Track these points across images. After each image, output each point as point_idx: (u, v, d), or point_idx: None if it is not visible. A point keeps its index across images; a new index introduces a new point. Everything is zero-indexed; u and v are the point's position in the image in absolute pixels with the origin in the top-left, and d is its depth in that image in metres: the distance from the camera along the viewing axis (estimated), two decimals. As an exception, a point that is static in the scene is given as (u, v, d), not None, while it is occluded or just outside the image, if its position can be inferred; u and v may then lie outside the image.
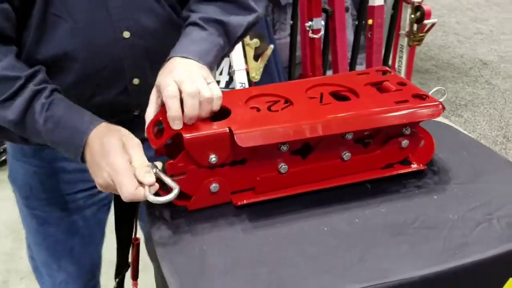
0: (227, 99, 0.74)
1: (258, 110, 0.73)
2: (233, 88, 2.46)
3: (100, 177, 0.66)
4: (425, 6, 2.88)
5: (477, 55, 4.19)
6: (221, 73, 2.53)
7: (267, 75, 2.43)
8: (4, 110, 0.70)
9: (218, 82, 2.55)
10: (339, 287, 0.58)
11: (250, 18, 0.84)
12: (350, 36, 3.20)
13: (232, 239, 0.66)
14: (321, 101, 0.77)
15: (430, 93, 0.80)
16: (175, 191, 0.64)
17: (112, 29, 0.77)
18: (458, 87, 3.55)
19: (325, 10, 2.68)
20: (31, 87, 0.69)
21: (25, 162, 0.93)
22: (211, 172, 0.69)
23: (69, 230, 0.99)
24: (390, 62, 3.20)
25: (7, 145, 0.98)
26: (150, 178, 0.63)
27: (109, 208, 1.04)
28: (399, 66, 3.15)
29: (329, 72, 2.98)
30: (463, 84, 3.60)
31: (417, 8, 2.89)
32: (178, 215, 0.70)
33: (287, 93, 0.77)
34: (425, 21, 2.88)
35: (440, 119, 0.82)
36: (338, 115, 0.72)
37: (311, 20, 2.58)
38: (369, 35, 2.90)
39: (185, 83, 0.65)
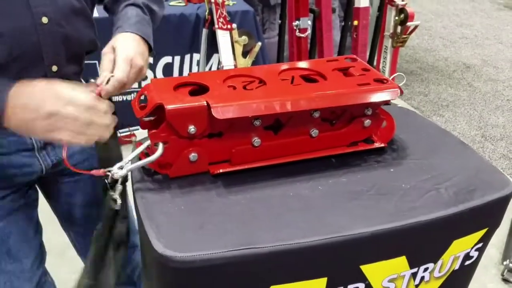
0: (206, 77, 0.82)
1: (234, 88, 0.81)
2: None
3: (49, 105, 0.67)
4: (409, 9, 2.98)
5: (461, 58, 4.30)
6: (210, 69, 2.60)
7: (254, 72, 2.50)
8: None
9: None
10: (297, 239, 0.65)
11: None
12: (336, 36, 3.30)
13: (207, 201, 0.74)
14: (292, 82, 0.85)
15: (394, 81, 0.89)
16: (158, 152, 0.73)
17: (31, 15, 0.78)
18: (441, 89, 3.66)
19: (312, 11, 2.76)
20: None
21: None
22: (190, 142, 0.77)
23: (1, 236, 0.96)
24: (375, 63, 3.30)
25: None
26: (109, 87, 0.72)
27: (37, 205, 1.04)
28: (383, 66, 3.24)
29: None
30: (446, 86, 3.71)
31: (401, 11, 2.99)
32: (160, 182, 0.78)
33: (261, 75, 0.85)
34: (409, 23, 2.98)
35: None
36: (302, 95, 0.79)
37: (298, 20, 2.67)
38: (355, 36, 3.00)
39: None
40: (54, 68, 0.84)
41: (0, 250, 0.97)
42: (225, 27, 2.45)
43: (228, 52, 2.48)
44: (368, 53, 3.20)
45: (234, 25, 2.46)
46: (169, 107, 0.72)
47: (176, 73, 2.59)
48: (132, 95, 2.50)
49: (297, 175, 0.80)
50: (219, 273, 0.65)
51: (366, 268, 0.70)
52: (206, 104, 0.74)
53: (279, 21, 2.88)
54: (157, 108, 0.74)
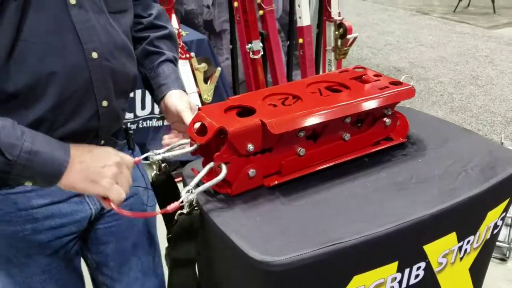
0: (247, 100, 0.88)
1: (275, 106, 0.88)
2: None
3: (108, 170, 0.75)
4: (346, 23, 3.20)
5: (390, 63, 4.65)
6: (173, 99, 2.63)
7: (218, 96, 2.57)
8: None
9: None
10: (371, 230, 0.73)
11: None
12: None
13: (275, 211, 0.79)
14: (321, 95, 0.93)
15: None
16: (223, 172, 0.78)
17: (82, 50, 0.81)
18: (381, 93, 3.93)
19: (261, 34, 2.89)
20: None
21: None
22: (248, 160, 0.82)
23: (43, 273, 0.95)
24: (320, 76, 3.50)
25: None
26: None
27: (77, 253, 1.02)
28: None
29: (268, 90, 3.18)
30: (385, 90, 3.99)
31: (340, 25, 3.21)
32: (224, 201, 0.82)
33: (293, 91, 0.93)
34: (348, 36, 3.21)
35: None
36: (339, 104, 0.88)
37: (250, 43, 2.78)
38: (301, 53, 3.16)
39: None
40: (105, 103, 0.87)
41: None
42: (184, 56, 2.50)
43: (190, 80, 2.52)
44: (314, 68, 3.38)
45: (193, 54, 2.51)
46: (231, 129, 0.77)
47: (138, 106, 2.58)
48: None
49: (342, 177, 0.88)
50: (310, 271, 0.70)
51: (427, 248, 0.79)
52: (261, 123, 0.80)
53: (230, 46, 2.98)
54: (220, 131, 0.79)
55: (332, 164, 0.90)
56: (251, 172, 0.83)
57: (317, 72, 3.47)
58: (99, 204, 0.96)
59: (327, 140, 0.91)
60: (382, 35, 5.70)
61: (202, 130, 0.81)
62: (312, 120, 0.83)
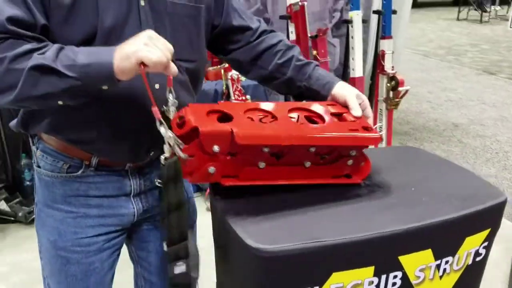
0: (231, 108, 1.00)
1: (252, 120, 0.98)
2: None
3: (140, 38, 0.86)
4: (399, 76, 3.35)
5: (449, 118, 4.67)
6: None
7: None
8: (24, 61, 0.83)
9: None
10: (350, 234, 0.88)
11: None
12: (335, 103, 3.65)
13: (273, 208, 0.97)
14: (297, 121, 1.02)
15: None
16: (181, 155, 0.91)
17: (149, 83, 0.90)
18: (434, 146, 3.96)
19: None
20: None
21: (54, 209, 1.09)
22: (211, 158, 0.93)
23: (87, 271, 1.13)
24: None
25: (39, 195, 1.13)
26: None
27: (119, 254, 1.20)
28: (380, 127, 3.56)
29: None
30: (438, 143, 4.02)
31: (392, 78, 3.37)
32: (232, 198, 1.01)
33: (274, 111, 1.02)
34: (399, 88, 3.34)
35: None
36: (305, 134, 0.96)
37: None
38: (353, 101, 3.33)
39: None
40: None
41: (79, 284, 1.14)
42: (240, 98, 2.77)
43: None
44: (365, 116, 3.53)
45: (248, 96, 2.78)
46: (202, 129, 0.89)
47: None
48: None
49: (338, 190, 1.04)
50: (295, 261, 0.86)
51: (402, 259, 0.92)
52: (231, 131, 0.91)
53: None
54: (193, 129, 0.91)
55: (286, 183, 1.00)
56: (211, 169, 0.94)
57: (368, 121, 3.60)
58: (141, 205, 1.14)
59: (289, 161, 1.00)
60: (444, 91, 5.73)
61: (183, 124, 0.93)
62: (275, 141, 0.94)
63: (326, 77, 1.15)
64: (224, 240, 1.00)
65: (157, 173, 1.11)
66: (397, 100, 3.42)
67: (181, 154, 0.91)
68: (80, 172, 1.07)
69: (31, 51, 0.85)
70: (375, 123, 3.60)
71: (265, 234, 0.88)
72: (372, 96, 3.55)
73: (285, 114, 1.03)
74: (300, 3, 2.84)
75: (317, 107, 1.08)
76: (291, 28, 2.94)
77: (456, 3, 12.80)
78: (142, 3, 0.98)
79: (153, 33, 0.88)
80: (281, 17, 3.01)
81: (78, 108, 0.95)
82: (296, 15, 2.89)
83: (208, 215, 1.10)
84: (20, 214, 2.55)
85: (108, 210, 1.11)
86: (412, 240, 0.92)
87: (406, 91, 3.37)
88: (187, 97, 1.08)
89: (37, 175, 1.12)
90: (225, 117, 0.97)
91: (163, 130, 0.90)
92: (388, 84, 3.39)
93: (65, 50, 0.87)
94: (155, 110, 0.90)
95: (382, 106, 3.49)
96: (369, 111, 1.11)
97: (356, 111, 1.07)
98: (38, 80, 0.84)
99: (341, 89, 1.12)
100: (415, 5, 12.44)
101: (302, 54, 1.21)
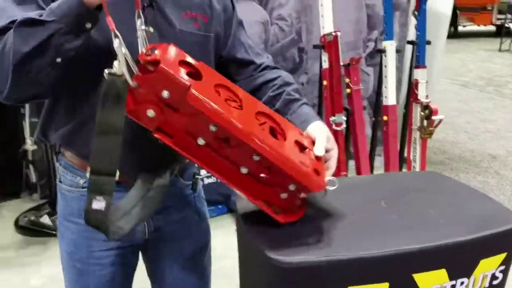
0: (206, 72, 0.91)
1: (219, 94, 0.90)
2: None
3: None
4: (433, 105, 3.36)
5: (486, 149, 4.58)
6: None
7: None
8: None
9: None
10: (364, 250, 0.92)
11: None
12: (368, 131, 3.67)
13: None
14: (260, 125, 0.93)
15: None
16: (129, 80, 0.84)
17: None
18: (470, 177, 3.90)
19: (346, 109, 3.17)
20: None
21: (71, 222, 1.15)
22: (155, 100, 0.86)
23: (99, 283, 1.19)
24: (405, 153, 3.62)
25: (60, 209, 1.19)
26: None
27: (134, 269, 1.25)
28: (413, 156, 3.55)
29: (351, 162, 3.38)
30: (474, 174, 3.95)
31: (426, 107, 3.37)
32: (255, 210, 1.07)
33: (246, 102, 0.94)
34: (433, 117, 3.35)
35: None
36: (257, 139, 0.87)
37: (334, 116, 3.06)
38: (385, 129, 3.35)
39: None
40: None
41: None
42: (272, 122, 2.85)
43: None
44: (398, 145, 3.53)
45: (280, 121, 2.86)
46: (163, 66, 0.82)
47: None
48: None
49: (360, 203, 1.09)
50: (312, 273, 0.91)
51: (417, 277, 0.95)
52: (188, 86, 0.83)
53: (317, 118, 3.28)
54: (155, 62, 0.84)
55: (214, 175, 0.94)
56: (150, 112, 0.87)
57: (401, 149, 3.60)
58: (152, 223, 1.19)
59: (228, 156, 0.92)
60: (482, 122, 5.63)
61: (149, 55, 0.86)
62: (223, 122, 0.85)
63: (307, 115, 1.13)
64: (247, 253, 1.06)
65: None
66: (431, 129, 3.42)
67: (128, 78, 0.84)
68: None
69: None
70: (409, 151, 3.59)
71: (286, 247, 0.94)
72: (406, 124, 3.57)
73: (254, 111, 0.95)
74: (333, 34, 2.93)
75: (289, 128, 1.01)
76: (324, 57, 3.02)
77: (498, 34, 12.60)
78: (151, 29, 1.03)
79: None
80: (315, 46, 3.11)
81: (87, 122, 1.02)
82: (329, 45, 2.98)
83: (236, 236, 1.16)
84: (61, 228, 2.69)
85: None
86: (426, 259, 0.96)
87: (440, 120, 3.37)
88: None
89: (59, 189, 1.20)
90: (194, 75, 0.89)
91: (117, 43, 0.82)
92: (422, 113, 3.40)
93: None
94: (109, 20, 0.81)
95: (416, 134, 3.49)
96: (333, 163, 1.05)
97: (318, 150, 1.00)
98: (26, 35, 0.85)
99: (314, 128, 1.07)
100: (455, 35, 12.37)
101: (298, 92, 1.20)
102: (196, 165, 1.03)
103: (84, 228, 1.08)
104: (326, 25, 2.96)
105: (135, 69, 0.85)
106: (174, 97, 0.85)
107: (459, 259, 0.99)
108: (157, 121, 0.89)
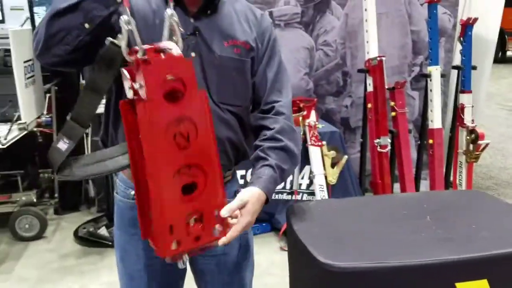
0: (196, 102, 0.95)
1: (177, 124, 0.93)
2: (313, 190, 2.96)
3: None
4: (479, 130, 3.36)
5: (536, 176, 4.45)
6: (302, 177, 3.06)
7: (342, 180, 2.92)
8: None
9: (300, 185, 3.07)
10: (409, 259, 1.00)
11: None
12: (413, 154, 3.68)
13: (343, 229, 1.11)
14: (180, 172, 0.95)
15: None
16: (123, 46, 0.93)
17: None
18: (519, 203, 3.80)
19: (390, 131, 3.22)
20: None
21: (123, 231, 1.26)
22: (132, 79, 0.91)
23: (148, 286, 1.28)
24: (451, 177, 3.59)
25: (115, 219, 1.29)
26: None
27: (182, 279, 1.33)
28: (459, 180, 3.53)
29: (396, 185, 3.40)
30: (523, 200, 3.85)
31: (472, 131, 3.37)
32: (307, 217, 1.17)
33: (195, 149, 0.96)
34: (480, 142, 3.34)
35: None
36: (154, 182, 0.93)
37: (379, 138, 3.12)
38: (431, 153, 3.36)
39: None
40: None
41: None
42: (316, 144, 2.95)
43: (319, 163, 2.94)
44: (444, 168, 3.52)
45: (324, 142, 2.95)
46: (151, 66, 0.89)
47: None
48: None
49: (408, 217, 1.16)
50: (358, 277, 1.00)
51: (459, 286, 1.02)
52: (133, 99, 0.92)
53: (361, 140, 3.35)
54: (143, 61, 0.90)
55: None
56: (138, 84, 0.91)
57: (447, 173, 3.58)
58: None
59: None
60: (532, 148, 5.47)
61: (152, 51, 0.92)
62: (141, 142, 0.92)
63: (257, 177, 1.14)
64: (297, 258, 1.16)
65: None
66: (477, 153, 3.41)
67: (124, 51, 0.93)
68: None
69: None
70: (455, 175, 3.56)
71: (334, 252, 1.04)
72: (452, 148, 3.56)
73: (191, 160, 0.96)
74: (378, 58, 3.02)
75: (214, 195, 1.01)
76: (369, 80, 3.11)
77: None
78: (193, 54, 1.13)
79: None
80: (359, 71, 3.20)
81: None
82: (374, 69, 3.07)
83: (280, 254, 1.25)
84: (116, 239, 2.87)
85: None
86: (468, 269, 1.02)
87: (487, 145, 3.36)
88: (225, 132, 1.18)
89: (115, 200, 1.30)
90: (174, 95, 0.93)
91: (125, 18, 0.92)
92: (468, 137, 3.40)
93: None
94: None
95: (462, 158, 3.49)
96: (236, 227, 1.05)
97: (224, 210, 1.03)
98: None
99: (244, 191, 1.10)
100: (503, 60, 12.05)
101: (279, 150, 1.19)
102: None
103: (136, 237, 1.17)
104: (371, 50, 3.06)
105: (141, 47, 0.91)
106: (150, 89, 0.90)
107: (501, 270, 1.05)
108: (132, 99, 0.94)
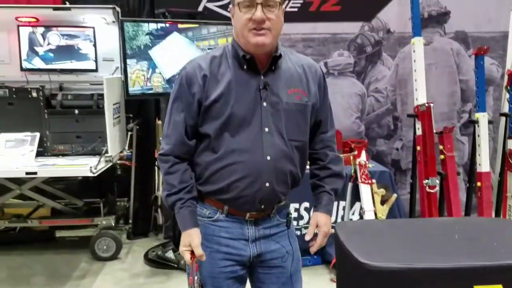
0: None
1: None
2: (363, 226, 3.16)
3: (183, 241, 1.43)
4: (527, 174, 3.44)
5: None
6: (353, 213, 3.27)
7: (391, 218, 3.11)
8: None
9: (350, 220, 3.27)
10: (436, 263, 1.24)
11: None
12: (462, 196, 3.79)
13: (384, 238, 1.37)
14: None
15: None
16: None
17: (262, 155, 1.41)
18: None
19: (439, 173, 3.38)
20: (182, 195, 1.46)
21: (202, 244, 1.46)
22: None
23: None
24: (502, 221, 3.66)
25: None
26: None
27: (244, 283, 1.57)
28: (509, 223, 3.59)
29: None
30: None
31: (520, 175, 3.46)
32: (353, 228, 1.43)
33: None
34: (530, 187, 3.42)
35: None
36: None
37: (428, 179, 3.29)
38: (479, 195, 3.47)
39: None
40: (267, 184, 1.45)
41: None
42: (366, 181, 3.18)
43: (369, 200, 3.15)
44: (494, 211, 3.60)
45: (374, 180, 3.18)
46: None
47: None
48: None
49: (440, 227, 1.40)
50: (391, 277, 1.24)
51: (477, 288, 1.24)
52: None
53: (411, 181, 3.53)
54: None
55: None
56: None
57: (497, 215, 3.64)
58: (256, 250, 1.53)
59: None
60: None
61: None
62: None
63: (320, 204, 1.60)
64: (343, 263, 1.42)
65: (268, 226, 1.54)
66: (527, 197, 3.48)
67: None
68: (215, 217, 1.51)
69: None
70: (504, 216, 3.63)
71: (373, 254, 1.29)
72: (501, 192, 3.65)
73: None
74: (426, 105, 3.25)
75: None
76: (418, 125, 3.33)
77: None
78: (264, 104, 1.44)
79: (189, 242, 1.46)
80: (409, 116, 3.44)
81: (209, 164, 1.47)
82: (422, 114, 3.29)
83: (330, 285, 1.47)
84: (182, 262, 3.19)
85: (233, 249, 1.51)
86: (485, 274, 1.24)
87: (537, 190, 3.42)
88: (288, 166, 1.49)
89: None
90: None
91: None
92: (517, 182, 3.49)
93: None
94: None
95: (511, 202, 3.56)
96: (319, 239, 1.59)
97: (307, 235, 1.56)
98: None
99: (313, 216, 1.60)
100: None
101: (332, 176, 1.62)
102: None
103: (208, 249, 1.49)
104: (420, 97, 3.30)
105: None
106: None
107: (514, 278, 1.25)
108: None
